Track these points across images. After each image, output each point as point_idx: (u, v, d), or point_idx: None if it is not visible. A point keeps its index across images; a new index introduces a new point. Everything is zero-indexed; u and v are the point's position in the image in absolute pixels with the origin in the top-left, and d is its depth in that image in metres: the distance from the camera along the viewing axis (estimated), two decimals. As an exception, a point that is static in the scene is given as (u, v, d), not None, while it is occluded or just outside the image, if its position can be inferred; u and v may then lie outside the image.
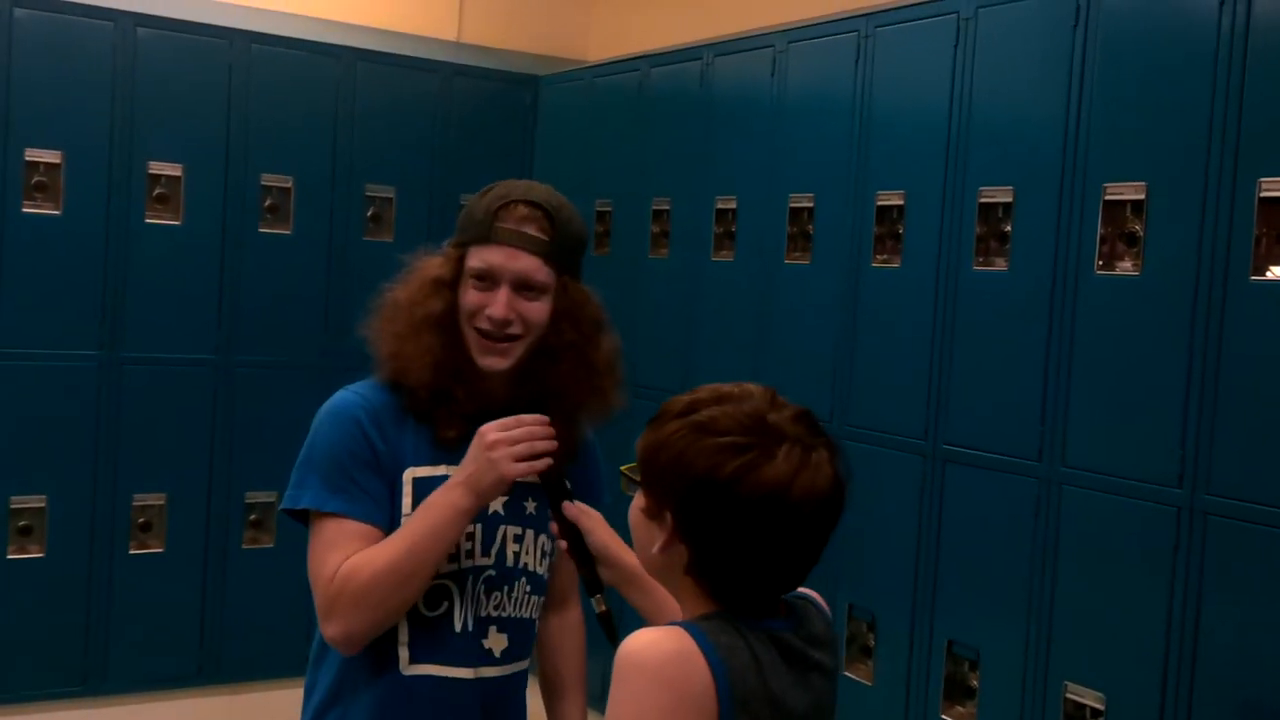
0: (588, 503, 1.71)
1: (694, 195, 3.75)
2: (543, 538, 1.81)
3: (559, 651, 1.95)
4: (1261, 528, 2.24)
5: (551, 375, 1.75)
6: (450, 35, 4.62)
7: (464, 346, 1.74)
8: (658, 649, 1.18)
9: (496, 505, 1.76)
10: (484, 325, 1.72)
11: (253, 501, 4.18)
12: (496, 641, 1.77)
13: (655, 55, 4.05)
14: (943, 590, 2.88)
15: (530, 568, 1.81)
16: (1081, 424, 2.59)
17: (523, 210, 1.73)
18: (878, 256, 3.10)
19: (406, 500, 1.72)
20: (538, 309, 1.73)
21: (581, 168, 4.33)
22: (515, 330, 1.73)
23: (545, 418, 1.66)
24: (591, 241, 4.21)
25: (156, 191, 3.98)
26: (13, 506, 3.82)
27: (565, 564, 1.84)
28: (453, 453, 1.72)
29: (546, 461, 1.65)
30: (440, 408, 1.74)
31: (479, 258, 1.72)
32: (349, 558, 1.66)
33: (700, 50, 3.79)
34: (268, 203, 4.16)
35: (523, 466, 1.63)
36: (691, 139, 3.79)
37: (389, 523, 1.71)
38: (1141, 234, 2.48)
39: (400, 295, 1.76)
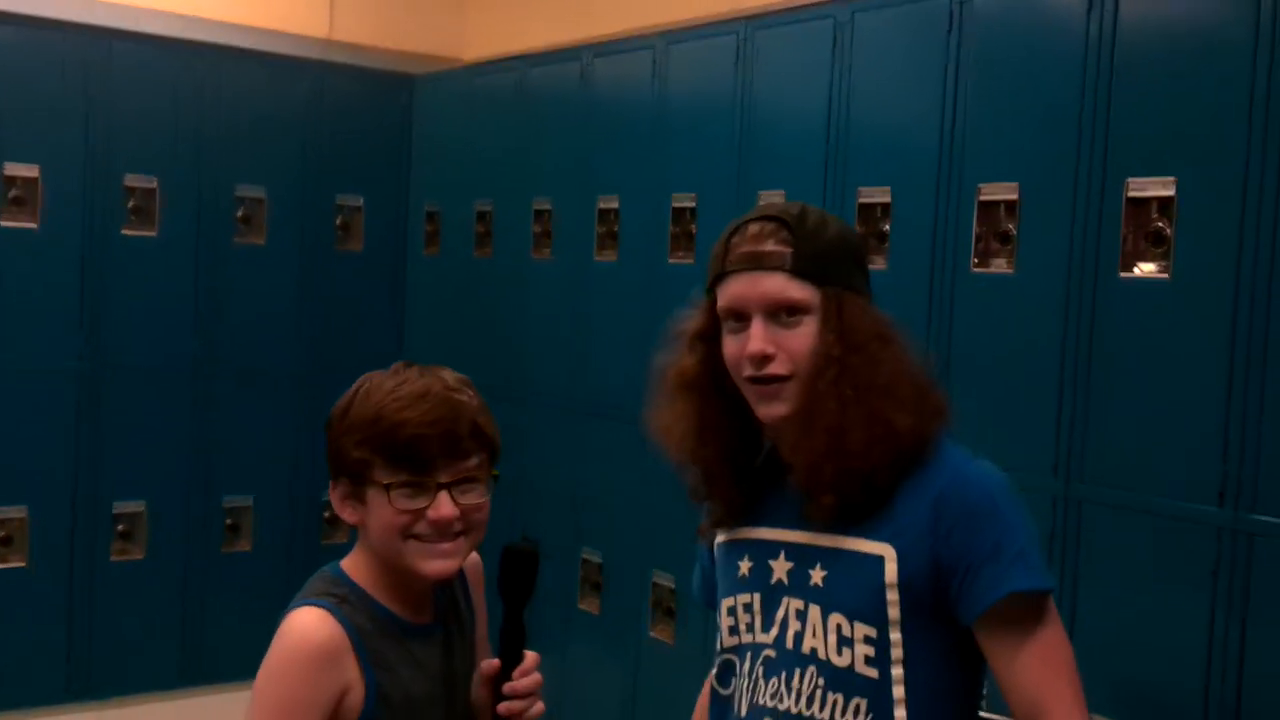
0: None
1: (576, 196, 3.74)
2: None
3: None
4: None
5: (822, 407, 1.46)
6: (321, 32, 4.50)
7: (741, 407, 1.54)
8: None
9: (780, 574, 1.54)
10: (749, 371, 1.49)
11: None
12: None
13: (534, 56, 4.02)
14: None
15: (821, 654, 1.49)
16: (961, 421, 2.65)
17: (754, 228, 1.51)
18: (761, 256, 3.13)
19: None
20: (800, 336, 1.48)
21: (460, 168, 4.28)
22: (780, 369, 1.48)
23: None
24: (471, 242, 4.17)
25: (12, 194, 3.80)
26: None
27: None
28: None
29: None
30: (715, 486, 1.58)
31: (724, 295, 1.51)
32: None
33: (579, 51, 3.77)
34: (131, 204, 4.01)
35: None
36: (572, 139, 3.77)
37: None
38: (1015, 233, 2.56)
39: (660, 361, 1.60)
